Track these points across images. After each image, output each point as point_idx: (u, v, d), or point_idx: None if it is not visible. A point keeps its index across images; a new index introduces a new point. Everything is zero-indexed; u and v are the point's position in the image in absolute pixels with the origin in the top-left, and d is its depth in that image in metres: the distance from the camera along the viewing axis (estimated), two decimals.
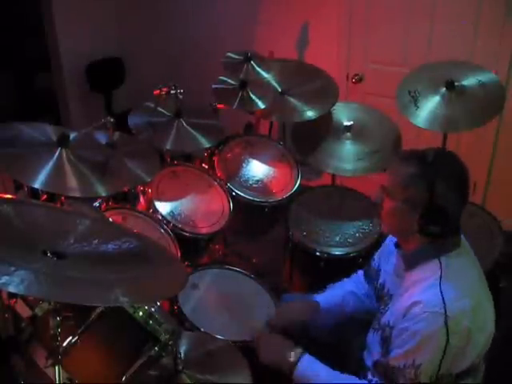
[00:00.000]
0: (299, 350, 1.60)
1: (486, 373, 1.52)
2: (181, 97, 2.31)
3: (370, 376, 1.50)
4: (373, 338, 1.61)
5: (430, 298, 1.37)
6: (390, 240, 1.71)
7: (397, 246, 1.61)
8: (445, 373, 1.38)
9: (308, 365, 1.57)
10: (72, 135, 1.77)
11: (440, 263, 1.41)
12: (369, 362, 1.63)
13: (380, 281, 1.70)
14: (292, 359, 1.58)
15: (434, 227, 1.42)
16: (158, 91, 2.32)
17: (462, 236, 1.55)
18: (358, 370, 1.66)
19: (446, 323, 1.32)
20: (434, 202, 1.40)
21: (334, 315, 1.83)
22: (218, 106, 2.54)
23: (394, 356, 1.41)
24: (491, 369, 1.54)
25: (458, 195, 1.44)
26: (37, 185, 1.60)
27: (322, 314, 1.83)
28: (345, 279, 1.92)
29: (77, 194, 1.68)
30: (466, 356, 1.39)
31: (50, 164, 1.66)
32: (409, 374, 1.37)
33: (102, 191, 1.74)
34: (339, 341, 1.83)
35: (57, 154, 1.71)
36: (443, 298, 1.34)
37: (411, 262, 1.52)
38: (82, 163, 1.74)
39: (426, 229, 1.43)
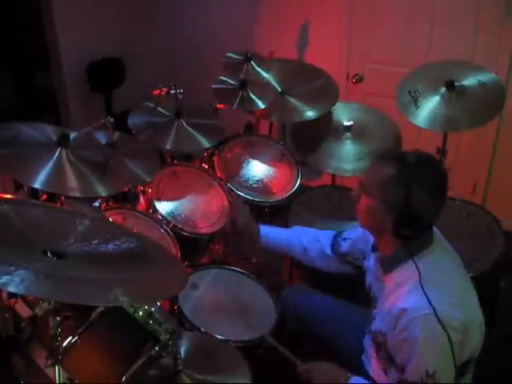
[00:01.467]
0: (348, 374, 1.60)
1: (485, 372, 1.52)
2: (181, 97, 2.31)
3: None
4: (367, 342, 1.62)
5: (415, 301, 1.36)
6: (370, 238, 1.67)
7: (373, 249, 1.61)
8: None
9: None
10: (72, 135, 1.77)
11: (416, 265, 1.41)
12: (367, 366, 1.63)
13: (367, 281, 1.70)
14: (343, 381, 1.58)
15: (407, 230, 1.42)
16: (157, 91, 2.32)
17: (434, 229, 1.54)
18: (358, 371, 1.66)
19: (439, 322, 1.32)
20: (409, 205, 1.40)
21: (272, 248, 1.97)
22: (218, 105, 2.54)
23: (408, 372, 1.39)
24: (490, 367, 1.54)
25: (433, 200, 1.43)
26: (37, 185, 1.59)
27: (262, 238, 1.95)
28: (310, 229, 1.99)
29: (77, 194, 1.68)
30: (466, 348, 1.39)
31: (50, 164, 1.66)
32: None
33: (102, 191, 1.74)
34: (337, 339, 1.84)
35: (57, 154, 1.71)
36: (428, 299, 1.34)
37: (388, 265, 1.52)
38: (81, 163, 1.73)
39: (399, 231, 1.43)
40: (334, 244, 1.86)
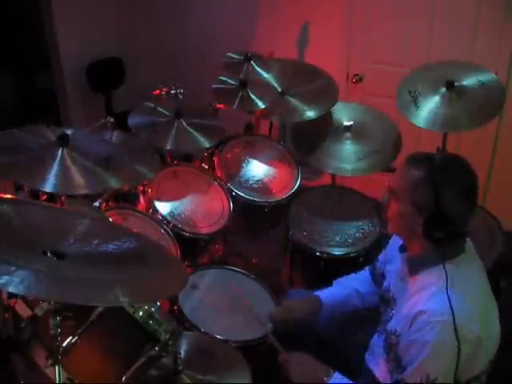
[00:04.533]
0: (331, 371, 1.58)
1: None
2: (181, 97, 2.31)
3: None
4: (377, 341, 1.61)
5: (437, 306, 1.35)
6: (395, 243, 1.68)
7: (402, 250, 1.59)
8: (456, 379, 1.35)
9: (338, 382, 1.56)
10: (69, 132, 1.76)
11: (445, 270, 1.39)
12: (371, 365, 1.62)
13: (385, 284, 1.69)
14: (324, 377, 1.56)
15: (438, 233, 1.40)
16: (157, 91, 2.32)
17: (469, 240, 1.53)
18: (359, 371, 1.65)
19: (455, 332, 1.29)
20: (440, 207, 1.38)
21: (334, 312, 1.84)
22: (218, 105, 2.54)
23: (409, 373, 1.38)
24: (490, 368, 1.53)
25: (464, 202, 1.41)
26: (48, 188, 1.57)
27: (324, 311, 1.83)
28: (352, 275, 1.92)
29: (86, 191, 1.67)
30: (477, 362, 1.37)
31: (55, 166, 1.64)
32: None
33: (111, 183, 1.72)
34: (340, 340, 1.83)
35: (59, 154, 1.69)
36: (451, 306, 1.32)
37: (415, 266, 1.50)
38: (84, 159, 1.72)
39: (430, 233, 1.42)
40: (373, 269, 1.85)
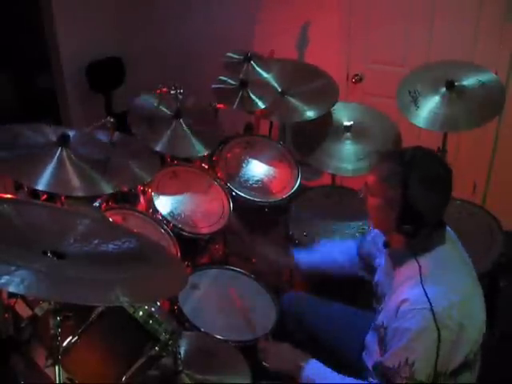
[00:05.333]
0: (307, 356, 1.62)
1: (485, 371, 1.52)
2: (181, 97, 2.31)
3: (370, 378, 1.51)
4: (371, 338, 1.63)
5: (415, 297, 1.39)
6: (380, 237, 1.70)
7: (385, 245, 1.62)
8: (441, 370, 1.38)
9: (315, 367, 1.59)
10: (72, 134, 1.77)
11: (417, 262, 1.43)
12: (369, 363, 1.63)
13: (375, 279, 1.71)
14: (301, 363, 1.59)
15: (408, 226, 1.44)
16: (158, 91, 2.32)
17: (448, 229, 1.55)
18: (360, 371, 1.66)
19: (434, 318, 1.33)
20: (408, 201, 1.42)
21: (306, 267, 1.98)
22: (218, 105, 2.53)
23: (389, 356, 1.42)
24: (490, 367, 1.54)
25: (433, 195, 1.44)
26: (40, 186, 1.59)
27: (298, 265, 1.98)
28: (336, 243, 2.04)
29: (80, 193, 1.68)
30: (458, 351, 1.39)
31: (52, 165, 1.66)
32: (404, 373, 1.37)
33: (106, 188, 1.74)
34: (338, 341, 1.84)
35: (57, 154, 1.70)
36: (427, 296, 1.36)
37: (396, 260, 1.54)
38: (83, 162, 1.73)
39: (401, 227, 1.45)
40: (360, 246, 1.90)
